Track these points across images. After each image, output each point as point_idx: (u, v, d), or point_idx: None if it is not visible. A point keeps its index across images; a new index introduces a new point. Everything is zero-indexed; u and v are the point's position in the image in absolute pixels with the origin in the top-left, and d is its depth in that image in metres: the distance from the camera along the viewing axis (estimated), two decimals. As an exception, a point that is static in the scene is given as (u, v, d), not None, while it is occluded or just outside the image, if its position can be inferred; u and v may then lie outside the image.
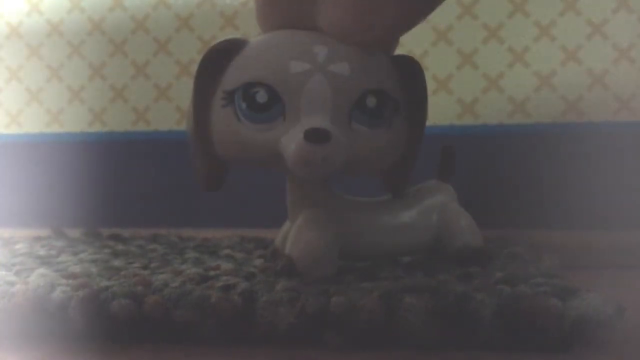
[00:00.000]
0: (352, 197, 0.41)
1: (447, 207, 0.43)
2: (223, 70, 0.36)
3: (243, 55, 0.36)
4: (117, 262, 0.43)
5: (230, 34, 0.69)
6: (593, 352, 0.28)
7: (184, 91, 0.71)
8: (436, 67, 0.66)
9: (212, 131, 0.36)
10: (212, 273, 0.38)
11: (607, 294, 0.30)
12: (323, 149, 0.33)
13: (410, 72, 0.38)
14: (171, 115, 0.71)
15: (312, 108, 0.34)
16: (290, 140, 0.33)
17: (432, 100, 0.66)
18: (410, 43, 0.66)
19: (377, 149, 0.36)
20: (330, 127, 0.33)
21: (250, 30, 0.70)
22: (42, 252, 0.48)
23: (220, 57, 0.36)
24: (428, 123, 0.67)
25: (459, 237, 0.42)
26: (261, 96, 0.34)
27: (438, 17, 0.66)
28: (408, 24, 0.36)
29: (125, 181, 0.71)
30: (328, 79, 0.34)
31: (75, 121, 0.74)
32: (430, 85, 0.65)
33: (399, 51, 0.39)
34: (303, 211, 0.39)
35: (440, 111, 0.66)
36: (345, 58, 0.35)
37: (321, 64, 0.35)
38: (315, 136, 0.33)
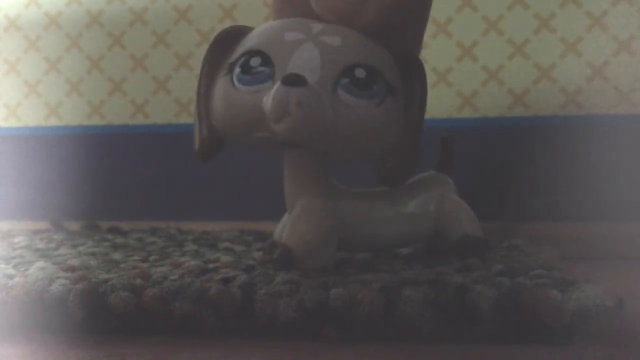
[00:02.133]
0: (350, 188, 0.41)
1: (446, 198, 0.43)
2: (230, 52, 0.38)
3: (248, 37, 0.38)
4: (116, 255, 0.43)
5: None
6: (592, 344, 0.28)
7: (183, 84, 0.71)
8: (436, 59, 0.66)
9: (213, 103, 0.38)
10: (211, 266, 0.38)
11: (606, 286, 0.30)
12: (298, 91, 0.33)
13: (411, 69, 0.38)
14: (170, 108, 0.71)
15: (299, 71, 0.35)
16: (271, 93, 0.34)
17: (431, 93, 0.65)
18: (410, 35, 0.66)
19: (362, 121, 0.36)
20: (309, 79, 0.34)
21: (248, 22, 0.70)
22: (41, 245, 0.48)
23: (229, 39, 0.38)
24: (427, 116, 0.67)
25: (457, 228, 0.42)
26: (254, 60, 0.36)
27: (438, 9, 0.65)
28: (403, 12, 0.36)
29: (124, 174, 0.71)
30: (318, 47, 0.36)
31: (74, 114, 0.73)
32: (430, 77, 0.65)
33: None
34: (300, 201, 0.39)
35: (440, 104, 0.65)
36: (340, 34, 0.37)
37: (314, 35, 0.36)
38: (291, 80, 0.33)
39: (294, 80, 0.33)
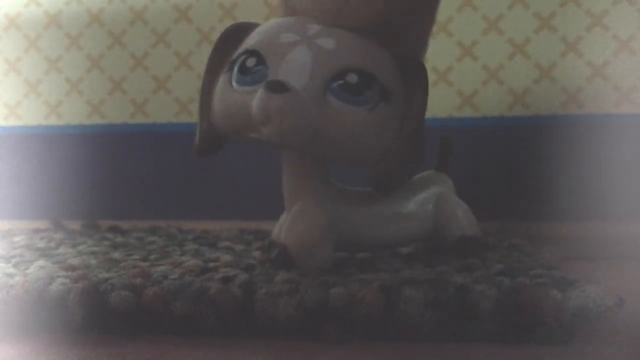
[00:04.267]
0: (349, 188, 0.41)
1: (444, 198, 0.43)
2: (235, 49, 0.39)
3: (251, 34, 0.39)
4: (116, 254, 0.43)
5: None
6: (593, 342, 0.28)
7: (183, 83, 0.71)
8: (436, 59, 0.65)
9: (213, 101, 0.38)
10: (211, 265, 0.38)
11: (606, 285, 0.30)
12: (280, 98, 0.33)
13: (413, 73, 0.37)
14: (170, 107, 0.71)
15: (289, 74, 0.35)
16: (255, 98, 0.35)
17: (431, 92, 0.65)
18: (410, 34, 0.65)
19: (351, 127, 0.35)
20: (296, 84, 0.34)
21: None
22: (41, 244, 0.48)
23: (234, 37, 0.39)
24: (428, 115, 0.67)
25: (456, 227, 0.42)
26: (250, 61, 0.36)
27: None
28: (395, 10, 0.36)
29: (124, 173, 0.71)
30: (311, 49, 0.36)
31: (74, 113, 0.73)
32: (430, 77, 0.65)
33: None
34: (298, 201, 0.39)
35: (440, 103, 0.65)
36: (335, 36, 0.36)
37: (309, 37, 0.36)
38: (272, 86, 0.34)
39: (275, 87, 0.34)
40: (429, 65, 0.65)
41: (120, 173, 0.71)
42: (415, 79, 0.37)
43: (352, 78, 0.35)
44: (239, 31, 0.39)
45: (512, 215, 0.62)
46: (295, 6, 0.40)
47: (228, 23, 0.69)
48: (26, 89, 0.74)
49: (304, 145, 0.36)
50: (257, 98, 0.34)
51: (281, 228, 0.42)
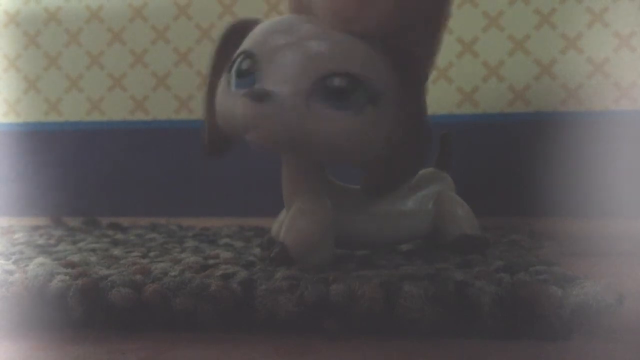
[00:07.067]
0: (348, 185, 0.41)
1: (444, 196, 0.43)
2: (239, 45, 0.38)
3: (251, 32, 0.39)
4: (116, 251, 0.43)
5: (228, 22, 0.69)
6: (593, 339, 0.28)
7: (183, 80, 0.71)
8: (436, 55, 0.65)
9: (216, 100, 0.38)
10: (211, 262, 0.38)
11: (606, 282, 0.30)
12: (259, 107, 0.33)
13: (406, 70, 0.37)
14: (170, 104, 0.71)
15: (276, 77, 0.35)
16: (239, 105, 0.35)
17: (432, 89, 0.65)
18: (410, 31, 0.65)
19: (335, 132, 0.35)
20: (278, 91, 0.34)
21: (249, 18, 0.70)
22: (41, 241, 0.48)
23: (236, 34, 0.39)
24: (428, 112, 0.67)
25: (455, 226, 0.42)
26: (245, 63, 0.36)
27: (438, 4, 0.65)
28: (406, 17, 0.36)
29: (124, 170, 0.71)
30: (300, 52, 0.35)
31: (74, 110, 0.73)
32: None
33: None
34: (298, 199, 0.39)
35: (440, 100, 0.65)
36: (326, 38, 0.36)
37: (298, 39, 0.36)
38: (253, 95, 0.34)
39: (256, 96, 0.34)
40: (429, 62, 0.65)
41: (120, 170, 0.71)
42: (409, 76, 0.37)
43: (337, 82, 0.35)
44: (242, 28, 0.39)
45: (512, 212, 0.62)
46: (310, 6, 0.39)
47: (228, 20, 0.69)
48: (26, 86, 0.74)
49: (287, 150, 0.36)
50: (239, 105, 0.34)
51: (280, 225, 0.42)
